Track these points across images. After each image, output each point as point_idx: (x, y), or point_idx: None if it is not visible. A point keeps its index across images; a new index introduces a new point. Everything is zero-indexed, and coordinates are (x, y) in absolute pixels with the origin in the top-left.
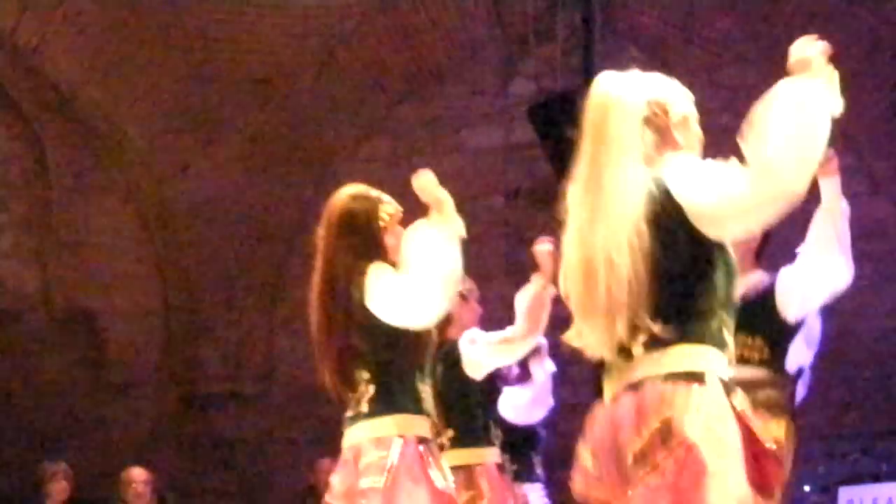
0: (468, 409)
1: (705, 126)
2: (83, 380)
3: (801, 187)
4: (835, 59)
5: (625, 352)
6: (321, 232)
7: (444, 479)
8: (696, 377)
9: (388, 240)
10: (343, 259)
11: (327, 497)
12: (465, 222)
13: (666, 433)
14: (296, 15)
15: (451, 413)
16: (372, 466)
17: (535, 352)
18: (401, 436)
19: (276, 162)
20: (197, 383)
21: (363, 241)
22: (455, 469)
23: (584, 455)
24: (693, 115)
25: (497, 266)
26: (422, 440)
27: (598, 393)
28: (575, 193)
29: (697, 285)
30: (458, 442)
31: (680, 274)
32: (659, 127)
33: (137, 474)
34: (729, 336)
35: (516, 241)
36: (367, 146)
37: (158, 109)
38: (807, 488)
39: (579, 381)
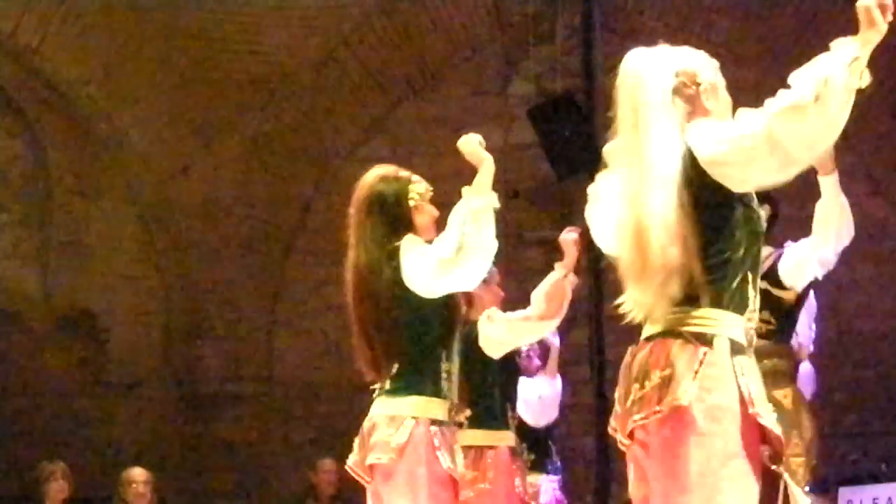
0: (486, 391)
1: None
2: (83, 380)
3: (803, 159)
4: None
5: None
6: (352, 212)
7: (451, 461)
8: (705, 339)
9: (419, 219)
10: (374, 238)
11: (349, 461)
12: None
13: (663, 389)
14: (296, 15)
15: (469, 393)
16: (380, 444)
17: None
18: (414, 417)
19: (276, 162)
20: (197, 383)
21: (393, 220)
22: (466, 448)
23: (618, 392)
24: (721, 83)
25: (497, 266)
26: (434, 422)
27: (599, 393)
28: (617, 162)
29: (720, 243)
30: (474, 422)
31: (706, 232)
32: (688, 96)
33: (137, 474)
34: (752, 292)
35: (516, 241)
36: (367, 146)
37: (158, 109)
38: (806, 488)
39: (579, 381)
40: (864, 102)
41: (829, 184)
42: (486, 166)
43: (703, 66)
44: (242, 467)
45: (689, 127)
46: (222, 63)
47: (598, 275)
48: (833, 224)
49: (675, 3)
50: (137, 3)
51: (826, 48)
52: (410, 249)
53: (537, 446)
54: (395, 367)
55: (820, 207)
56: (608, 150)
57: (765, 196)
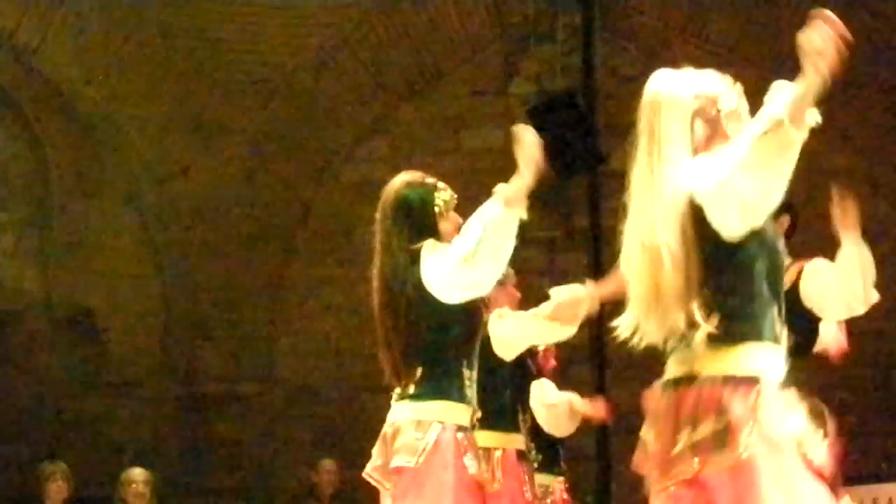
0: (497, 392)
1: None
2: (83, 380)
3: (761, 210)
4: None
5: (685, 340)
6: (377, 217)
7: (478, 466)
8: (753, 382)
9: (444, 225)
10: (399, 243)
11: (367, 468)
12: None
13: (723, 437)
14: (296, 15)
15: (479, 394)
16: (406, 447)
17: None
18: (440, 422)
19: (276, 162)
20: (197, 383)
21: (419, 226)
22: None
23: (647, 432)
24: (745, 108)
25: None
26: (460, 428)
27: (599, 393)
28: (635, 186)
29: (739, 279)
30: (484, 423)
31: (722, 268)
32: (709, 119)
33: (137, 474)
34: (781, 326)
35: (516, 241)
36: (367, 146)
37: (158, 109)
38: None
39: (579, 381)
40: (865, 102)
41: (850, 238)
42: (526, 175)
43: (725, 90)
44: (242, 467)
45: (696, 161)
46: (222, 63)
47: (598, 275)
48: (854, 289)
49: (675, 3)
50: (137, 3)
51: None
52: (430, 253)
53: (548, 447)
54: (419, 371)
55: (841, 264)
56: (630, 178)
57: (786, 205)
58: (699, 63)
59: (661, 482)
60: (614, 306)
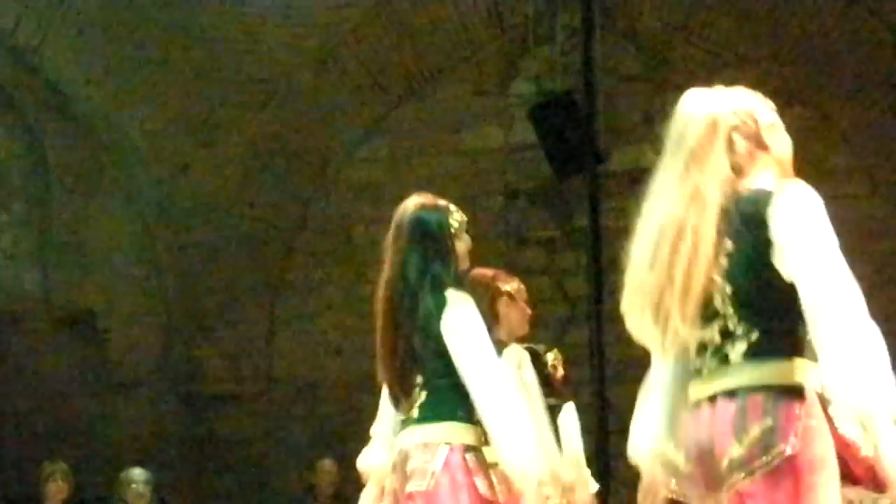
0: None
1: None
2: (83, 380)
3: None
4: (835, 60)
5: (719, 355)
6: (390, 239)
7: (488, 486)
8: (795, 391)
9: (458, 246)
10: (416, 264)
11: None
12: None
13: (767, 442)
14: (296, 15)
15: None
16: (417, 471)
17: None
18: (447, 443)
19: (276, 162)
20: (197, 383)
21: (435, 247)
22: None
23: (677, 455)
24: (780, 123)
25: (497, 266)
26: (469, 448)
27: (599, 392)
28: (660, 202)
29: (785, 296)
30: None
31: (771, 286)
32: (749, 133)
33: (137, 474)
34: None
35: (516, 241)
36: (367, 146)
37: (158, 109)
38: None
39: (580, 381)
40: (865, 102)
41: None
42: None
43: (760, 106)
44: (242, 467)
45: (756, 167)
46: (222, 63)
47: (598, 275)
48: None
49: (675, 3)
50: (137, 3)
51: (826, 48)
52: (466, 315)
53: None
54: (423, 395)
55: None
56: (650, 191)
57: None
58: (699, 63)
59: (713, 497)
60: (614, 307)
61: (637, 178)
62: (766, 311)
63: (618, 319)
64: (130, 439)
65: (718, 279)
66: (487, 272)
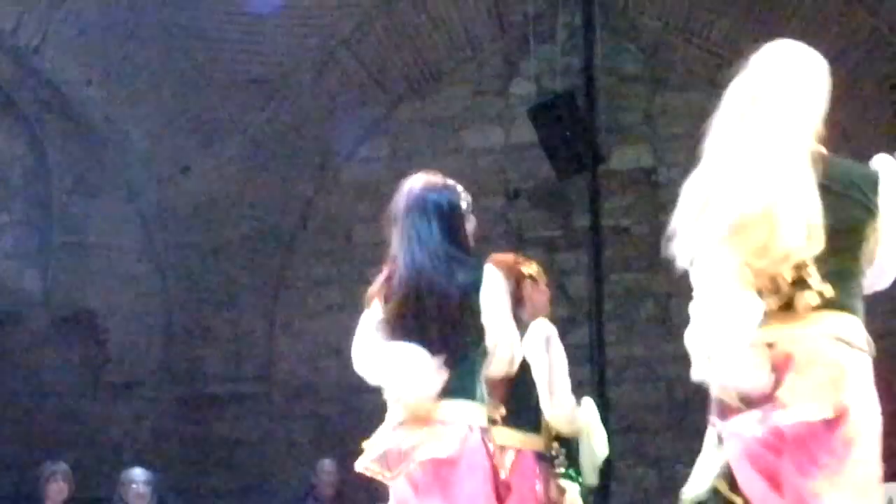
0: (523, 392)
1: (705, 126)
2: (83, 380)
3: None
4: (835, 60)
5: (787, 305)
6: (397, 215)
7: (502, 465)
8: (859, 347)
9: (468, 226)
10: (434, 240)
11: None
12: None
13: (833, 384)
14: (296, 15)
15: (504, 392)
16: (436, 440)
17: None
18: (467, 423)
19: (276, 162)
20: (197, 383)
21: (450, 226)
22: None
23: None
24: None
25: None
26: (483, 429)
27: (599, 393)
28: (748, 148)
29: (856, 256)
30: (507, 421)
31: (845, 243)
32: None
33: (137, 474)
34: None
35: (516, 241)
36: (367, 146)
37: (158, 109)
38: None
39: (580, 381)
40: (865, 102)
41: None
42: None
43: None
44: (242, 467)
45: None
46: (222, 63)
47: (598, 275)
48: None
49: (675, 3)
50: (137, 3)
51: (826, 47)
52: (501, 302)
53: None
54: (448, 371)
55: None
56: (712, 141)
57: None
58: (699, 63)
59: (763, 422)
60: (614, 307)
61: (637, 178)
62: (842, 271)
63: (618, 319)
64: (130, 439)
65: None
66: (508, 257)
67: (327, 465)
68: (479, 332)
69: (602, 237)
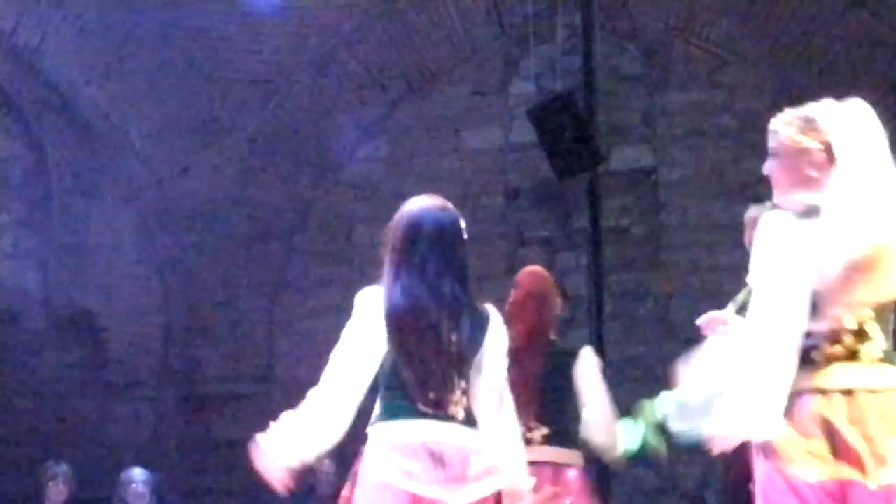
0: (565, 410)
1: (705, 126)
2: (83, 380)
3: None
4: (835, 60)
5: (853, 354)
6: (397, 237)
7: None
8: None
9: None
10: (443, 268)
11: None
12: (465, 222)
13: None
14: (296, 15)
15: (547, 410)
16: (485, 473)
17: None
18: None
19: (276, 162)
20: (197, 383)
21: (453, 251)
22: (543, 464)
23: (812, 444)
24: None
25: (497, 266)
26: None
27: None
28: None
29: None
30: (550, 440)
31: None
32: None
33: (137, 474)
34: None
35: (516, 241)
36: (367, 146)
37: (158, 109)
38: None
39: None
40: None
41: None
42: None
43: None
44: (242, 467)
45: None
46: (222, 63)
47: (598, 275)
48: None
49: (675, 3)
50: (137, 4)
51: (826, 48)
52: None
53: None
54: (465, 400)
55: None
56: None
57: None
58: (699, 63)
59: (873, 480)
60: (614, 307)
61: (637, 179)
62: None
63: (618, 319)
64: (130, 439)
65: None
66: (545, 271)
67: (327, 465)
68: (490, 370)
69: (602, 237)
